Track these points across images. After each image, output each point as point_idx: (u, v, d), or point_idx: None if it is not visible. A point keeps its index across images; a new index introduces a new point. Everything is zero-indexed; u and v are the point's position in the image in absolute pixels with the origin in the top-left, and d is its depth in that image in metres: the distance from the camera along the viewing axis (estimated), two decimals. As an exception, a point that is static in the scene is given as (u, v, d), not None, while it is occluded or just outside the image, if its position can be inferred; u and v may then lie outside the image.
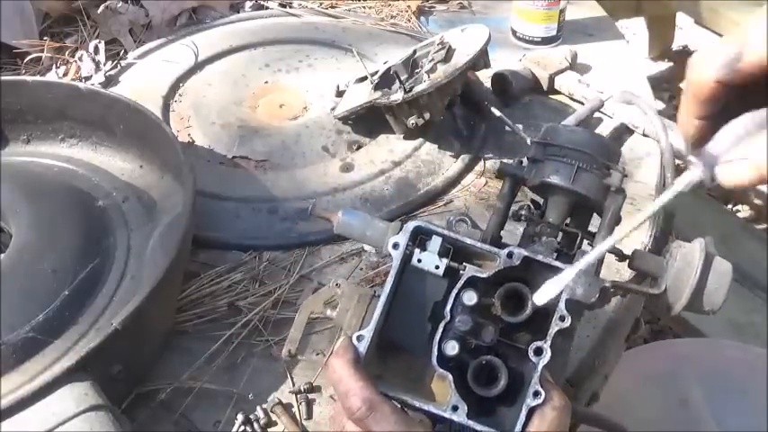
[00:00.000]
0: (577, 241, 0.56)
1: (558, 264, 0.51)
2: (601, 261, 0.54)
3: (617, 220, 0.56)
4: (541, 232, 0.56)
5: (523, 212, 0.58)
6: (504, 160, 0.60)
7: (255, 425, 0.67)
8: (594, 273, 0.53)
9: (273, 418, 0.68)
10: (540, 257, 0.52)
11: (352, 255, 0.83)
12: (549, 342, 0.49)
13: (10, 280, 0.70)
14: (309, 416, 0.68)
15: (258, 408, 0.68)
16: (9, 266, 0.71)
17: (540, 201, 0.60)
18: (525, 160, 0.59)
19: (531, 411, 0.48)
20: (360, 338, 0.50)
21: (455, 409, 0.49)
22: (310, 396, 0.69)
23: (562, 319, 0.50)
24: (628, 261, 0.56)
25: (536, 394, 0.48)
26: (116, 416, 0.58)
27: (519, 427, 0.48)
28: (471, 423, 0.48)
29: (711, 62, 0.44)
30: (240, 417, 0.67)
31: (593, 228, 0.59)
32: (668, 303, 0.53)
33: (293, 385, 0.70)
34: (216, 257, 0.82)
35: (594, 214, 0.59)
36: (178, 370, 0.71)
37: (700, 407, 0.97)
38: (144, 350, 0.70)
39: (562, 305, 0.50)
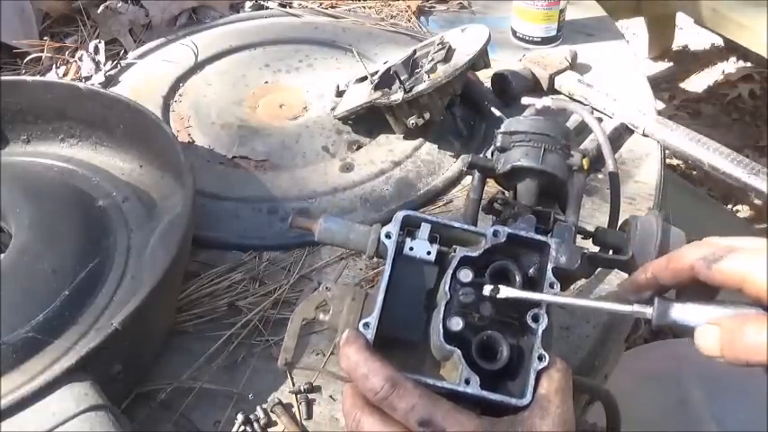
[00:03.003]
0: (551, 219, 0.59)
1: (540, 237, 0.54)
2: (575, 234, 0.58)
3: (581, 197, 0.61)
4: (518, 213, 0.59)
5: (499, 197, 0.62)
6: (471, 155, 0.63)
7: (255, 425, 0.67)
8: (573, 242, 0.57)
9: (273, 418, 0.68)
10: (523, 233, 0.54)
11: (351, 254, 0.83)
12: (544, 308, 0.52)
13: (10, 280, 0.70)
14: (309, 416, 0.68)
15: (258, 408, 0.68)
16: (9, 266, 0.71)
17: (507, 194, 0.63)
18: (489, 153, 0.64)
19: (538, 376, 0.50)
20: (366, 326, 0.52)
21: (468, 382, 0.50)
22: (310, 396, 0.69)
23: (552, 285, 0.53)
24: (592, 238, 0.61)
25: (540, 358, 0.50)
26: (116, 416, 0.58)
27: (530, 389, 0.50)
28: (486, 393, 0.50)
29: (654, 262, 0.53)
30: (240, 417, 0.67)
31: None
32: (637, 267, 0.56)
33: (293, 385, 0.70)
34: (216, 257, 0.82)
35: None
36: (178, 370, 0.71)
37: (700, 407, 0.97)
38: (144, 350, 0.70)
39: (550, 273, 0.53)
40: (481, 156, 0.63)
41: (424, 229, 0.55)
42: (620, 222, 0.64)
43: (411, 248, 0.54)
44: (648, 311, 0.49)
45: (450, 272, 0.53)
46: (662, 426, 0.95)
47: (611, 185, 0.70)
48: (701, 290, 0.50)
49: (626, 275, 0.58)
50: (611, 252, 0.60)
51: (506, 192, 0.64)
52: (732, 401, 0.98)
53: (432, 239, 0.55)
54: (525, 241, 0.55)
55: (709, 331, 0.47)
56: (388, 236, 0.55)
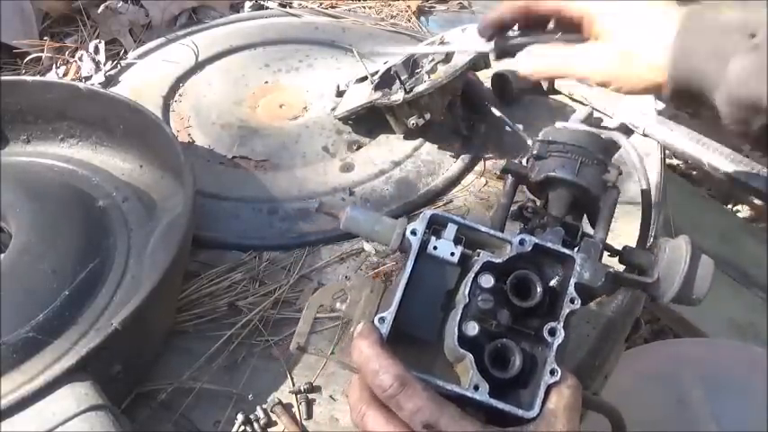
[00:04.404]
0: (579, 233, 0.58)
1: (566, 251, 0.54)
2: (602, 251, 0.57)
3: (613, 214, 0.59)
4: (546, 224, 0.59)
5: (529, 205, 0.61)
6: (507, 159, 0.63)
7: (255, 425, 0.67)
8: (598, 260, 0.56)
9: (273, 418, 0.68)
10: (549, 245, 0.54)
11: (351, 255, 0.83)
12: (562, 323, 0.51)
13: (10, 280, 0.70)
14: (309, 416, 0.68)
15: (258, 408, 0.68)
16: (9, 266, 0.71)
17: (538, 202, 0.62)
18: (525, 160, 0.63)
19: (548, 390, 0.50)
20: (382, 320, 0.51)
21: (477, 388, 0.49)
22: (310, 396, 0.69)
23: (572, 301, 0.52)
24: (619, 257, 0.60)
25: (552, 372, 0.50)
26: (116, 416, 0.58)
27: (538, 402, 0.49)
28: (494, 401, 0.49)
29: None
30: (240, 417, 0.67)
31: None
32: (660, 291, 0.56)
33: (293, 385, 0.70)
34: (216, 257, 0.82)
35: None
36: (178, 370, 0.71)
37: (700, 407, 0.97)
38: (144, 350, 0.70)
39: (572, 288, 0.52)
40: (515, 161, 0.63)
41: (451, 230, 0.54)
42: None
43: (435, 248, 0.54)
44: (489, 46, 0.70)
45: (471, 275, 0.52)
46: (662, 426, 0.95)
47: (644, 203, 0.69)
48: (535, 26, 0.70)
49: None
50: (636, 272, 0.59)
51: (537, 200, 0.63)
52: (732, 401, 0.98)
53: (457, 240, 0.54)
54: (551, 252, 0.54)
55: (525, 54, 0.70)
56: (413, 232, 0.54)
